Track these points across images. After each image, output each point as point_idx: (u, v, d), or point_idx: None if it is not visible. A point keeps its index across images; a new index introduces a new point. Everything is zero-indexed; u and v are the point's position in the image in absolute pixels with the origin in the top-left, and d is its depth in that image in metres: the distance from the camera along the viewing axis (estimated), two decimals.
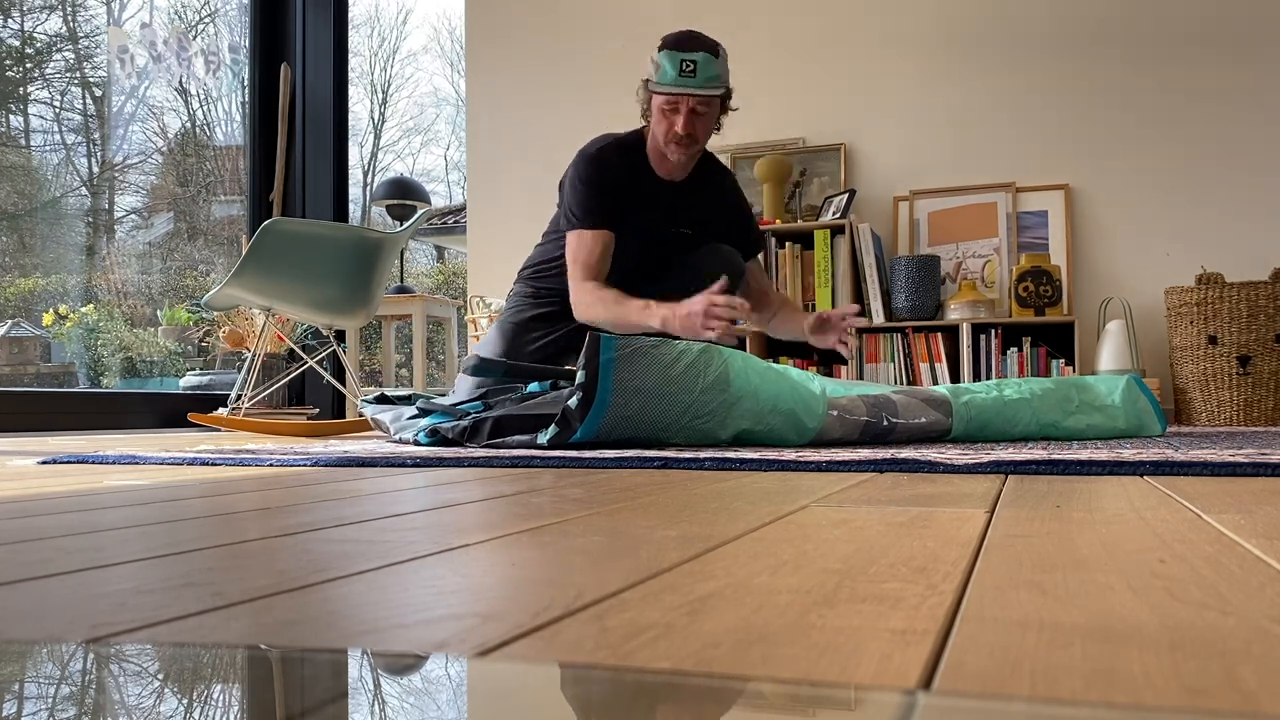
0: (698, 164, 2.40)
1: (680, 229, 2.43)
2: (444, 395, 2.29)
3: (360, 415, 2.16)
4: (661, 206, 2.39)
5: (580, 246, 2.31)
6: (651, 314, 2.17)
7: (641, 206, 2.37)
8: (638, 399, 1.58)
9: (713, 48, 2.25)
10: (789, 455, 1.33)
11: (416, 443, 1.86)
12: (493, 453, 1.53)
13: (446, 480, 1.15)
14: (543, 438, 1.63)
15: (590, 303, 2.26)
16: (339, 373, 3.91)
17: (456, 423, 1.79)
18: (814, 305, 3.50)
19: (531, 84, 4.12)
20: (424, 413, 1.90)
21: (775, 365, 1.69)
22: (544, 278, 2.47)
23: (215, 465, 1.44)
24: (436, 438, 1.81)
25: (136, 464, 1.48)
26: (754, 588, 0.47)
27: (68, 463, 1.51)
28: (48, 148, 3.70)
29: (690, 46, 2.24)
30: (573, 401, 1.60)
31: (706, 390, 1.60)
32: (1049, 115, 3.57)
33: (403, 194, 4.31)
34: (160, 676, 0.36)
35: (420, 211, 3.94)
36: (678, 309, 2.12)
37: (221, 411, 3.30)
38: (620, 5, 4.06)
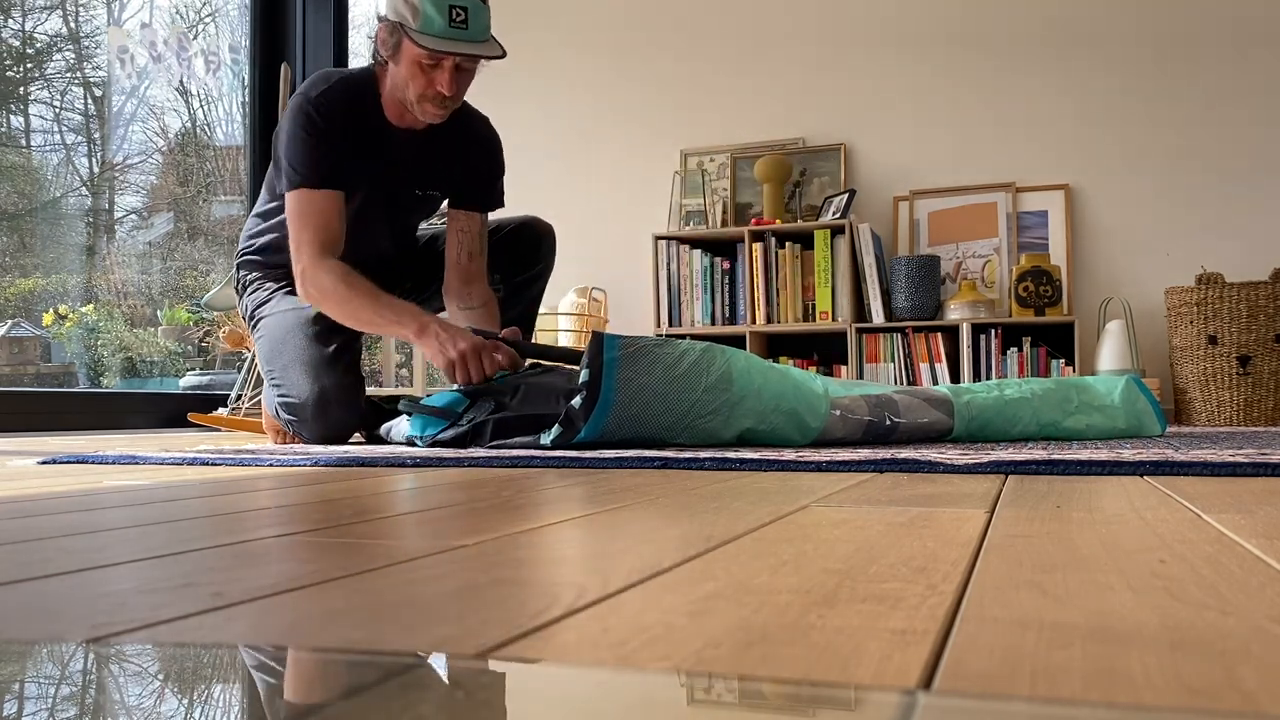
0: None
1: (425, 189, 2.14)
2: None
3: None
4: (397, 163, 2.08)
5: (307, 210, 1.95)
6: (406, 325, 1.87)
7: (373, 163, 2.04)
8: (641, 398, 1.58)
9: None
10: (789, 455, 1.33)
11: (414, 442, 1.86)
12: (494, 453, 1.53)
13: (447, 480, 1.15)
14: (546, 438, 1.63)
15: (328, 285, 1.91)
16: None
17: (457, 430, 1.78)
18: (814, 305, 3.51)
19: (525, 84, 4.11)
20: (412, 408, 1.89)
21: (778, 365, 1.70)
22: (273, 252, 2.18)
23: (215, 465, 1.44)
24: (438, 446, 1.80)
25: (136, 464, 1.48)
26: (754, 588, 0.47)
27: (68, 463, 1.51)
28: (48, 148, 3.70)
29: None
30: (576, 401, 1.60)
31: (709, 389, 1.60)
32: (1049, 115, 3.57)
33: None
34: (160, 676, 0.36)
35: None
36: (450, 339, 1.83)
37: (221, 411, 3.30)
38: (615, 5, 4.06)
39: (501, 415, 1.75)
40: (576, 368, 1.77)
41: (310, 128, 1.97)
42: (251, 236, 2.26)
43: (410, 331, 1.90)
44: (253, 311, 2.21)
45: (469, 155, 2.17)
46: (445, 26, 1.87)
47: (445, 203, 2.23)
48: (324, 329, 2.04)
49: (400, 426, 1.93)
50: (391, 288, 2.25)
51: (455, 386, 1.89)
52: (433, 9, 1.86)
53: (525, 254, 2.30)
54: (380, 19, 1.97)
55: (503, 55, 1.94)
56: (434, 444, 1.80)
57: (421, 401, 1.91)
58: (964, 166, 3.64)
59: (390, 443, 1.98)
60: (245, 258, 2.27)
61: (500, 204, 2.24)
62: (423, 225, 2.37)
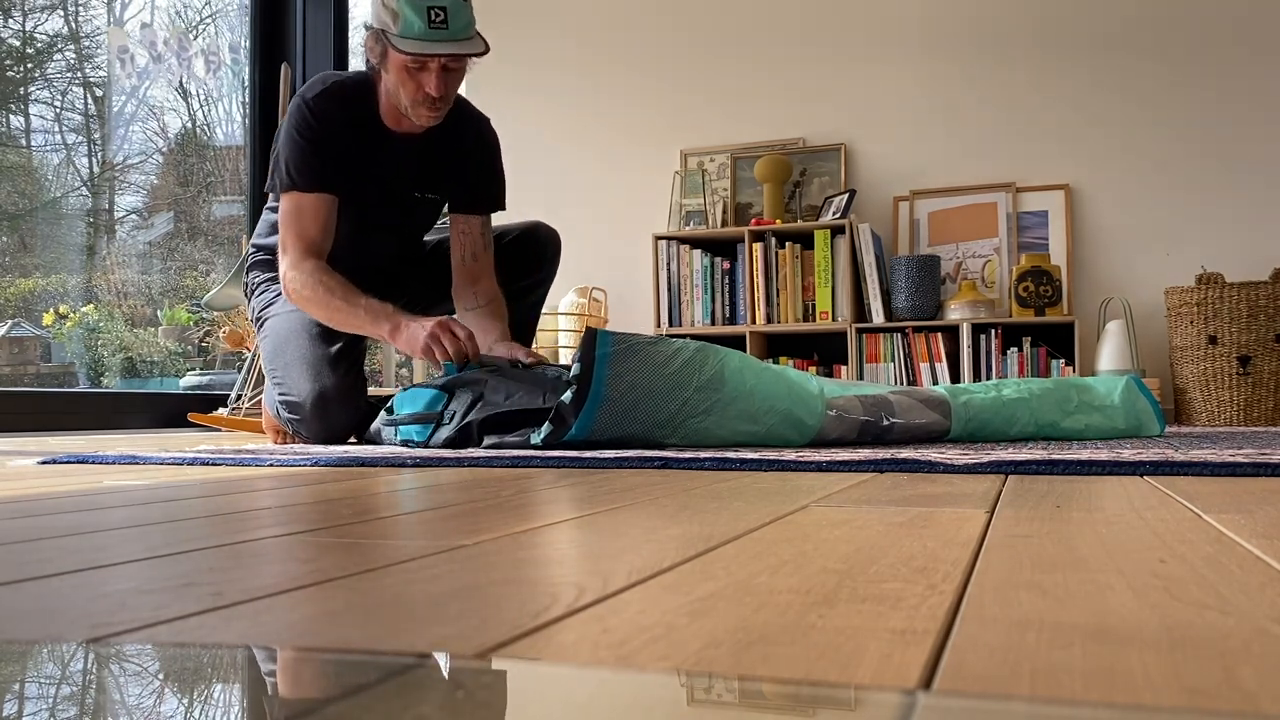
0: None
1: (424, 192, 2.14)
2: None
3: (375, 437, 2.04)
4: (397, 166, 2.08)
5: (297, 212, 1.98)
6: (381, 325, 1.91)
7: (372, 167, 2.04)
8: (632, 395, 1.58)
9: None
10: (789, 455, 1.33)
11: (409, 444, 1.85)
12: (493, 453, 1.53)
13: (446, 480, 1.15)
14: (536, 436, 1.62)
15: (308, 286, 1.94)
16: None
17: (446, 430, 1.77)
18: (814, 305, 3.51)
19: (525, 84, 4.12)
20: (393, 422, 1.88)
21: (773, 365, 1.69)
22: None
23: (215, 465, 1.44)
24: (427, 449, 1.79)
25: (136, 464, 1.48)
26: (754, 588, 0.47)
27: (68, 463, 1.51)
28: (48, 148, 3.70)
29: None
30: (567, 396, 1.59)
31: (701, 389, 1.60)
32: (1049, 115, 3.57)
33: None
34: (160, 676, 0.36)
35: None
36: (418, 325, 1.88)
37: (221, 411, 3.30)
38: (615, 5, 4.06)
39: (490, 414, 1.74)
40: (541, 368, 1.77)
41: (305, 130, 1.98)
42: (265, 236, 2.25)
43: (385, 331, 1.92)
44: (259, 313, 2.21)
45: (468, 158, 2.16)
46: (425, 29, 1.86)
47: (447, 206, 2.23)
48: (329, 331, 2.04)
49: (389, 430, 1.92)
50: (397, 293, 2.21)
51: (433, 380, 1.89)
52: (411, 12, 1.85)
53: (528, 260, 2.29)
54: (367, 27, 1.98)
55: (485, 51, 1.92)
56: (425, 449, 1.79)
57: (398, 410, 1.89)
58: (964, 166, 3.64)
59: (381, 444, 1.98)
60: (256, 259, 2.27)
61: (501, 206, 2.23)
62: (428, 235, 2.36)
